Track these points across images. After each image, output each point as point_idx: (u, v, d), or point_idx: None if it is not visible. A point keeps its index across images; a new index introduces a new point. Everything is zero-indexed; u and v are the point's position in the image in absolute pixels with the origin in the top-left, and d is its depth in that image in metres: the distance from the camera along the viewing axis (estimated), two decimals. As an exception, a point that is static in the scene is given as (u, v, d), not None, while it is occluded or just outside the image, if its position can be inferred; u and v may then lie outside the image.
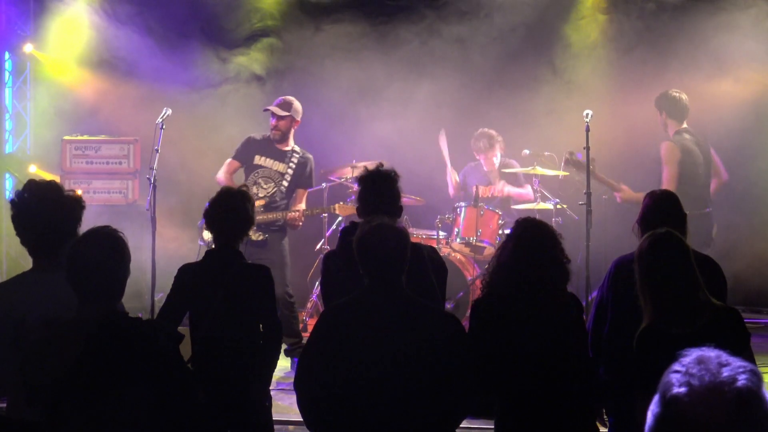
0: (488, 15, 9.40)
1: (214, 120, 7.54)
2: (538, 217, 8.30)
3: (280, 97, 7.40)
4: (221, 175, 7.30)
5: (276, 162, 7.25)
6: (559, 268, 3.89)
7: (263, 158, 7.26)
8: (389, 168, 4.55)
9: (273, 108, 7.27)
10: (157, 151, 6.84)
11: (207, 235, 7.11)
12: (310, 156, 7.35)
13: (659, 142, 7.34)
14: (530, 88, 9.27)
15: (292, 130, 7.34)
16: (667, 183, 7.00)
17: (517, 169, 8.34)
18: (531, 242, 3.89)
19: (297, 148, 7.34)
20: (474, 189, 8.06)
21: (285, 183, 7.23)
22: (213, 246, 4.60)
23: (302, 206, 7.26)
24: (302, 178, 7.30)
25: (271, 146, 7.29)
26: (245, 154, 7.33)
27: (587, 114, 6.82)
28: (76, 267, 3.18)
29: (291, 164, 7.24)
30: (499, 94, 9.08)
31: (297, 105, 7.33)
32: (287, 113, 7.25)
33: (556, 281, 3.91)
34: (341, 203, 7.37)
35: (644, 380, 3.67)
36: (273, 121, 7.27)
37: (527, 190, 8.36)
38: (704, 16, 8.81)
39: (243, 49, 9.53)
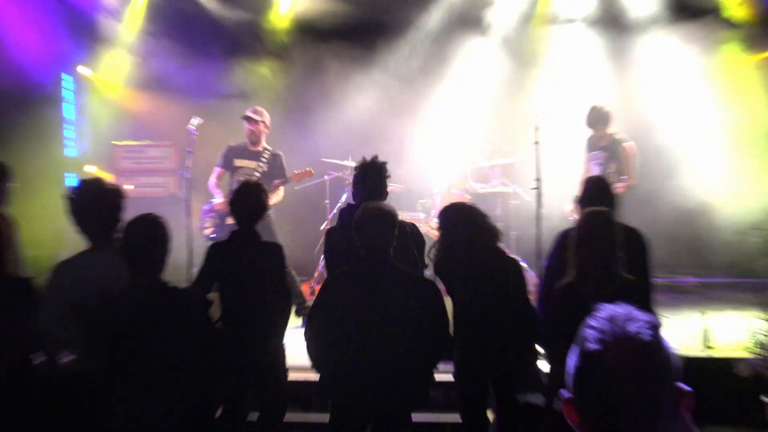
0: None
1: (234, 126, 7.56)
2: (498, 199, 8.35)
3: (252, 107, 7.40)
4: (212, 181, 7.34)
5: (251, 161, 7.25)
6: (486, 228, 4.06)
7: (240, 160, 7.27)
8: (379, 161, 4.60)
9: (250, 114, 7.31)
10: (190, 152, 6.88)
11: (207, 231, 7.20)
12: (280, 152, 7.35)
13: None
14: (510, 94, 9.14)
15: (264, 134, 7.35)
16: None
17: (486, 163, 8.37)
18: (456, 217, 4.10)
19: (268, 147, 7.34)
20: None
21: (257, 176, 7.13)
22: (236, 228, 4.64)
23: (280, 193, 7.28)
24: (275, 169, 7.27)
25: (246, 149, 7.30)
26: (227, 160, 7.33)
27: (537, 115, 6.80)
28: (129, 246, 3.22)
29: (262, 160, 7.24)
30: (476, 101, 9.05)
31: (267, 114, 7.38)
32: (261, 119, 7.30)
33: (486, 240, 4.05)
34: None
35: (560, 326, 3.76)
36: (250, 126, 7.27)
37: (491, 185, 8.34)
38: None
39: (257, 67, 9.51)
